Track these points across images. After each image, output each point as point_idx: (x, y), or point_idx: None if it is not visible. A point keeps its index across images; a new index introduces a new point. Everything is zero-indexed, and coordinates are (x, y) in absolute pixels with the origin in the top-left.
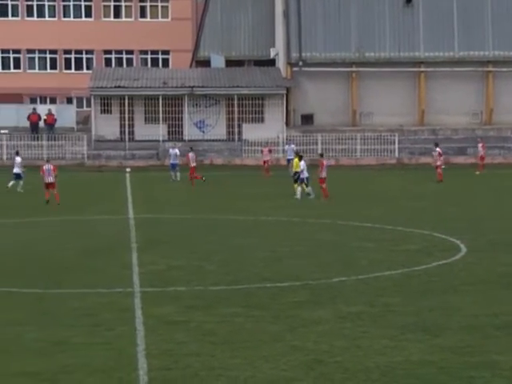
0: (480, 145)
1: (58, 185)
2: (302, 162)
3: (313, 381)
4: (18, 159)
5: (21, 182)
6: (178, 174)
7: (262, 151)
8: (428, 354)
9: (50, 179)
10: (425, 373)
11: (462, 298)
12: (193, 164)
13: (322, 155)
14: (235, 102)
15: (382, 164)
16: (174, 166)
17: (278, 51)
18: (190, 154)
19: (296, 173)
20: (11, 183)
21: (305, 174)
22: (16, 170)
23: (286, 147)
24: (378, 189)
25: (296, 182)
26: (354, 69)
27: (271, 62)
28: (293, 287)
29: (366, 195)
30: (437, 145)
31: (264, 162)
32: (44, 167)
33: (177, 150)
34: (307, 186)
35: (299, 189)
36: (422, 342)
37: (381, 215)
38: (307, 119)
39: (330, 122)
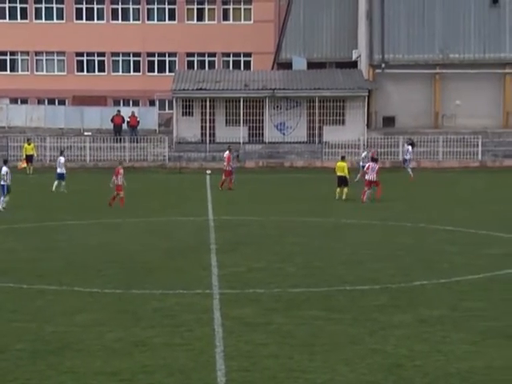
0: None
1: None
2: (371, 164)
3: None
4: (62, 159)
5: (63, 183)
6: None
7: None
8: (511, 360)
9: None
10: (507, 379)
11: None
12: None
13: (374, 159)
14: (316, 104)
15: (465, 167)
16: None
17: (360, 53)
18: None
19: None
20: (55, 184)
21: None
22: (60, 170)
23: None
24: (461, 192)
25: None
26: (437, 70)
27: (353, 64)
28: (373, 290)
29: (448, 198)
30: None
31: None
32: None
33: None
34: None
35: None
36: (505, 348)
37: (463, 218)
38: (389, 121)
39: (412, 125)
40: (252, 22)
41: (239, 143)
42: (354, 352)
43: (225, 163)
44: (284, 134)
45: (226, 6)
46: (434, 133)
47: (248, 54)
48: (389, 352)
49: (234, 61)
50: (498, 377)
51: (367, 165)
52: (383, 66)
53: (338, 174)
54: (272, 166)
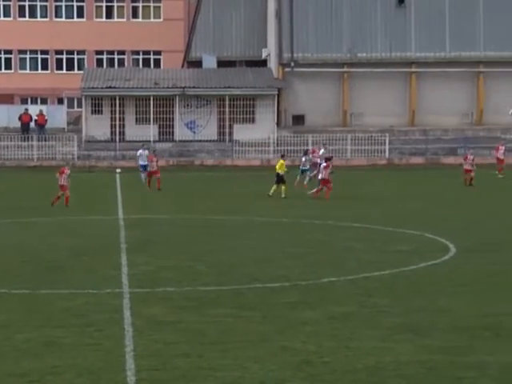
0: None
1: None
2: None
3: (301, 381)
4: None
5: None
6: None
7: None
8: (417, 355)
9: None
10: (413, 373)
11: (450, 298)
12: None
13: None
14: (226, 102)
15: (373, 164)
16: (144, 167)
17: (269, 52)
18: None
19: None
20: None
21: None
22: None
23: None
24: (369, 189)
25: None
26: (345, 69)
27: (263, 63)
28: (283, 288)
29: (357, 196)
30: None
31: None
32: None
33: (147, 152)
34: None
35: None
36: (411, 343)
37: (371, 216)
38: (298, 120)
39: (321, 123)
40: (162, 19)
41: (149, 141)
42: (264, 349)
43: (148, 162)
44: (194, 132)
45: (135, 4)
46: (342, 131)
47: (158, 52)
48: (298, 349)
49: (143, 59)
50: (405, 371)
51: (323, 164)
52: (292, 64)
53: (276, 171)
54: (182, 164)
